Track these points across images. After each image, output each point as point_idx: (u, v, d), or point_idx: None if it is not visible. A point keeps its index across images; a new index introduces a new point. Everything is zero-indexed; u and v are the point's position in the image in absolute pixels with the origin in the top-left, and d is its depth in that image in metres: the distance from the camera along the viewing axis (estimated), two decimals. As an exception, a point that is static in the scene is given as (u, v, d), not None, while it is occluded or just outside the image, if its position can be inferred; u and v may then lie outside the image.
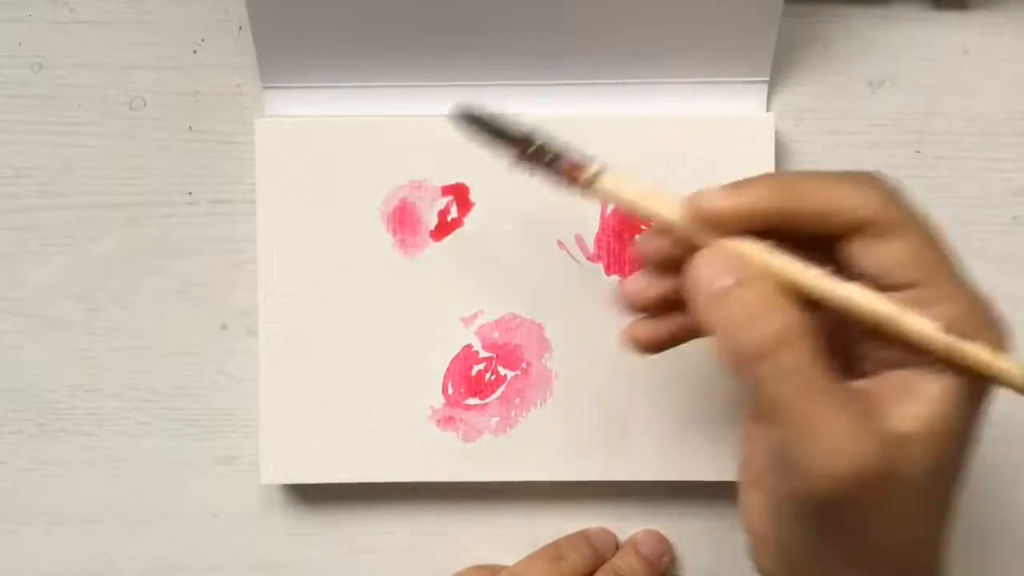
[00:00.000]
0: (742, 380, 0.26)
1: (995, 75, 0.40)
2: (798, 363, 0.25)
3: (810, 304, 0.27)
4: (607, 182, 0.29)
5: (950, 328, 0.26)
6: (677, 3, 0.37)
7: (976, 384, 0.27)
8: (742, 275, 0.27)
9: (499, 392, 0.39)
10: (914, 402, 0.26)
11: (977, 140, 0.40)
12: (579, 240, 0.38)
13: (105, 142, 0.40)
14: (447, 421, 0.39)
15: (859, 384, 0.28)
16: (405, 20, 0.37)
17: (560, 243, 0.38)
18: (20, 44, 0.39)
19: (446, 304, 0.38)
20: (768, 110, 0.39)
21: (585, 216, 0.38)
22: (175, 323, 0.40)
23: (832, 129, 0.40)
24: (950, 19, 0.40)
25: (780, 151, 0.39)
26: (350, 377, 0.38)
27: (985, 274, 0.40)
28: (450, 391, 0.39)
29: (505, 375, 0.39)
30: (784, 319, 0.26)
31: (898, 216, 0.27)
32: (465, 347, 0.39)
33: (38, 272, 0.40)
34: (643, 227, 0.38)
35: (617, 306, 0.31)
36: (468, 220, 0.38)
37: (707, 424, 0.38)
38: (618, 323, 0.38)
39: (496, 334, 0.39)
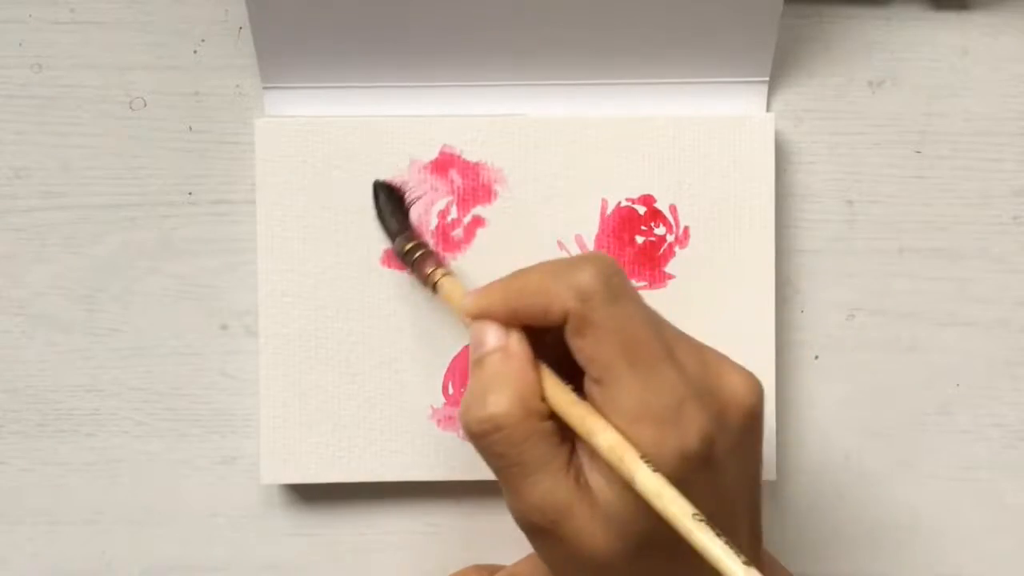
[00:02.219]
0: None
1: (995, 75, 0.40)
2: (506, 448, 0.29)
3: None
4: (443, 284, 0.34)
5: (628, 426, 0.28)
6: (677, 3, 0.37)
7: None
8: (486, 348, 0.30)
9: (499, 392, 0.39)
10: (596, 484, 0.29)
11: (977, 140, 0.40)
12: (579, 240, 0.38)
13: (105, 142, 0.40)
14: (447, 421, 0.39)
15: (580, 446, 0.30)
16: (405, 20, 0.37)
17: (560, 243, 0.38)
18: (20, 44, 0.39)
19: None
20: (768, 110, 0.39)
21: (585, 216, 0.38)
22: (175, 323, 0.40)
23: (832, 129, 0.40)
24: (950, 19, 0.40)
25: (780, 151, 0.39)
26: (350, 377, 0.38)
27: (985, 274, 0.40)
28: (450, 391, 0.39)
29: (505, 375, 0.39)
30: (499, 406, 0.29)
31: (593, 310, 0.28)
32: (465, 347, 0.39)
33: (38, 272, 0.40)
34: (642, 226, 0.38)
35: None
36: (467, 220, 0.38)
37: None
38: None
39: (496, 334, 0.39)
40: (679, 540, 0.27)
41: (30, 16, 0.39)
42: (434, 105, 0.39)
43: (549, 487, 0.28)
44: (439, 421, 0.39)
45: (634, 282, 0.38)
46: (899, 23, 0.40)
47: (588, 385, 0.29)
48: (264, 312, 0.38)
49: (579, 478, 0.29)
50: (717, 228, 0.38)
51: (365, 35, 0.37)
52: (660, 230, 0.39)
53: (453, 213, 0.38)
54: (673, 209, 0.38)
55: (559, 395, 0.29)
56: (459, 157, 0.38)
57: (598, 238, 0.38)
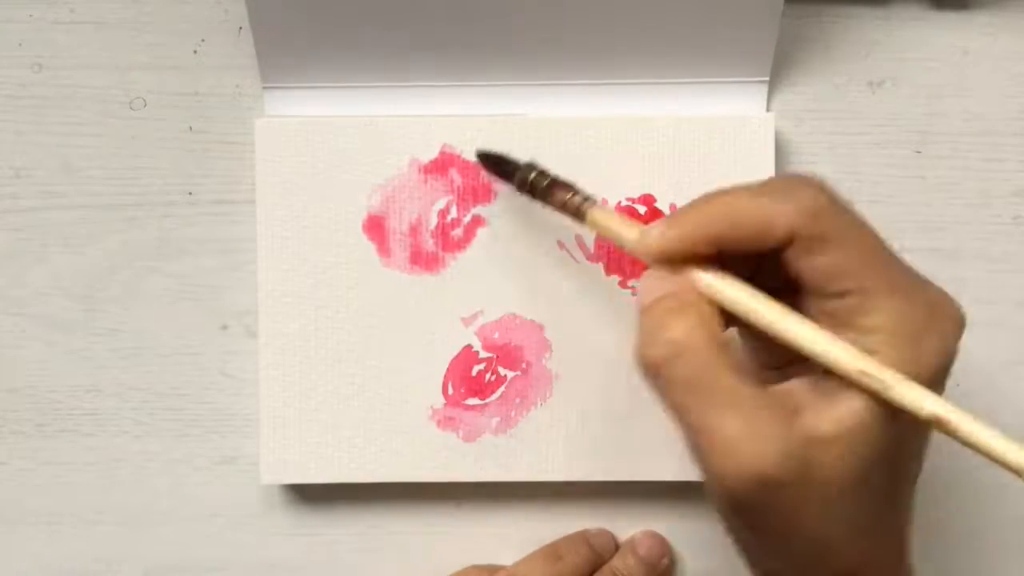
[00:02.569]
0: (652, 390, 0.28)
1: (995, 75, 0.40)
2: (694, 372, 0.26)
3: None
4: (593, 212, 0.32)
5: (889, 334, 0.27)
6: (677, 3, 0.37)
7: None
8: (657, 294, 0.28)
9: (499, 392, 0.39)
10: (833, 407, 0.27)
11: (977, 140, 0.40)
12: (579, 240, 0.38)
13: (105, 142, 0.40)
14: (447, 421, 0.39)
15: (787, 385, 0.28)
16: (405, 20, 0.37)
17: (560, 243, 0.38)
18: (20, 44, 0.39)
19: (446, 304, 0.38)
20: (768, 110, 0.39)
21: (585, 216, 0.38)
22: (175, 323, 0.40)
23: (832, 129, 0.40)
24: (950, 19, 0.40)
25: (780, 151, 0.39)
26: (350, 377, 0.38)
27: (985, 274, 0.40)
28: (450, 391, 0.39)
29: (505, 375, 0.39)
30: (679, 331, 0.27)
31: (828, 224, 0.27)
32: (465, 347, 0.39)
33: (38, 272, 0.40)
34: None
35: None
36: (467, 220, 0.38)
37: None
38: (618, 323, 0.38)
39: (496, 334, 0.39)
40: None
41: (30, 16, 0.39)
42: (434, 105, 0.39)
43: (760, 424, 0.26)
44: (439, 421, 0.39)
45: (634, 282, 0.38)
46: (899, 23, 0.40)
47: (817, 303, 0.28)
48: (264, 312, 0.38)
49: (789, 412, 0.27)
50: (717, 228, 0.38)
51: (365, 35, 0.37)
52: (660, 230, 0.38)
53: (453, 213, 0.38)
54: (673, 208, 0.38)
55: (774, 311, 0.28)
56: (459, 157, 0.38)
57: (598, 238, 0.38)
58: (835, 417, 0.27)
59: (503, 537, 0.40)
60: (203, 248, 0.40)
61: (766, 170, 0.38)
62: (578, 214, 0.32)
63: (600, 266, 0.39)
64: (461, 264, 0.38)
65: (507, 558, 0.39)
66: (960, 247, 0.40)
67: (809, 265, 0.27)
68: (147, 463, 0.40)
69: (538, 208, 0.38)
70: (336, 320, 0.38)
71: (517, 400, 0.39)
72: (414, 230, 0.38)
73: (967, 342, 0.40)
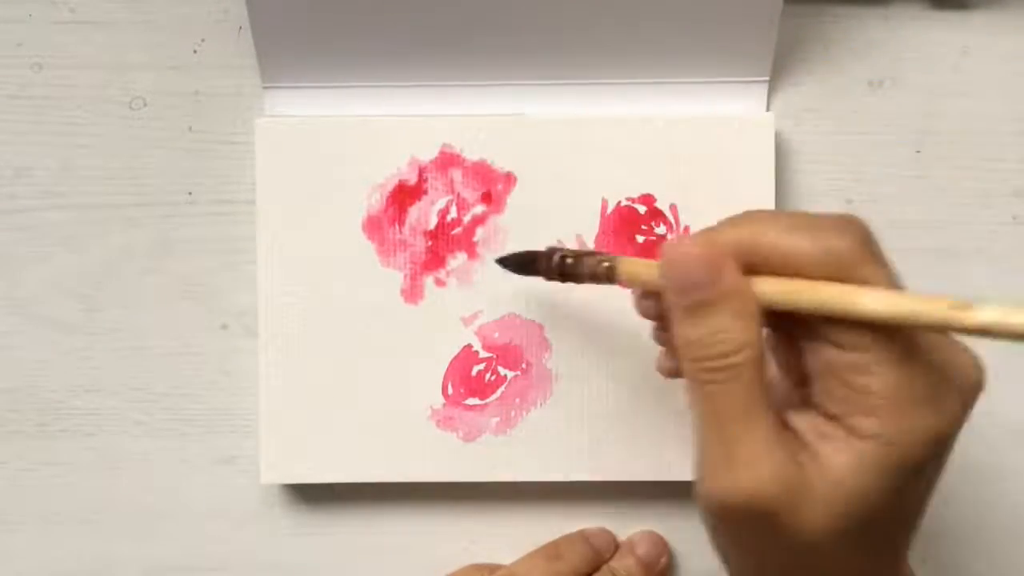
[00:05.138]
0: (691, 384, 0.28)
1: (995, 75, 0.40)
2: (745, 387, 0.27)
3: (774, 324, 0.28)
4: (623, 266, 0.31)
5: (892, 395, 0.26)
6: (677, 3, 0.37)
7: (906, 450, 0.26)
8: (722, 281, 0.27)
9: (499, 392, 0.39)
10: (833, 455, 0.27)
11: (977, 140, 0.40)
12: (579, 240, 0.38)
13: (105, 142, 0.40)
14: (447, 421, 0.39)
15: (801, 420, 0.28)
16: (405, 20, 0.37)
17: (560, 243, 0.38)
18: (20, 44, 0.39)
19: (446, 304, 0.38)
20: (768, 110, 0.39)
21: (585, 216, 0.38)
22: (175, 323, 0.40)
23: (832, 129, 0.40)
24: (950, 19, 0.40)
25: (780, 151, 0.39)
26: (350, 377, 0.38)
27: (985, 274, 0.40)
28: (450, 391, 0.39)
29: (505, 375, 0.39)
30: (745, 340, 0.27)
31: (856, 276, 0.26)
32: (465, 347, 0.39)
33: (38, 272, 0.40)
34: (642, 226, 0.38)
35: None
36: (467, 220, 0.38)
37: (707, 424, 0.38)
38: (618, 323, 0.38)
39: (496, 334, 0.39)
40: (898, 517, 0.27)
41: (30, 16, 0.39)
42: (434, 105, 0.39)
43: (779, 454, 0.26)
44: (439, 421, 0.39)
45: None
46: (899, 23, 0.40)
47: (815, 351, 0.27)
48: (264, 312, 0.38)
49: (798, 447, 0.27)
50: (717, 228, 0.38)
51: (365, 35, 0.37)
52: (661, 229, 0.39)
53: (453, 213, 0.38)
54: (673, 209, 0.38)
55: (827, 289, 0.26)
56: (459, 156, 0.38)
57: (598, 238, 0.38)
58: (832, 465, 0.26)
59: (503, 537, 0.40)
60: (203, 248, 0.40)
61: (766, 170, 0.38)
62: (610, 275, 0.32)
63: (600, 266, 0.38)
64: (461, 263, 0.38)
65: (507, 558, 0.39)
66: (960, 247, 0.40)
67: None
68: (147, 463, 0.40)
69: (538, 208, 0.38)
70: (336, 320, 0.38)
71: (517, 400, 0.39)
72: (414, 230, 0.38)
73: (968, 342, 0.40)
